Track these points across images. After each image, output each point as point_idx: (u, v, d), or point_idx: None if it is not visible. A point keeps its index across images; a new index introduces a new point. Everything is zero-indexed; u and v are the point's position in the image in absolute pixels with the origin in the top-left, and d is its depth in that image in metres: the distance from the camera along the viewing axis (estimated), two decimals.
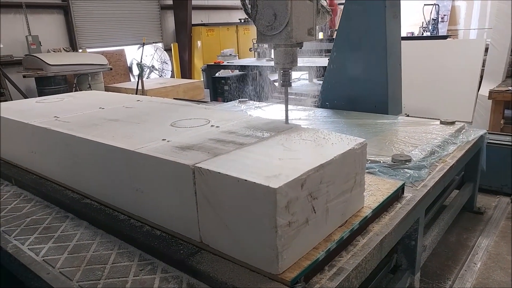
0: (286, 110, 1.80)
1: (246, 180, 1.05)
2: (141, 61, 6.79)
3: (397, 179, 1.75)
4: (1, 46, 6.22)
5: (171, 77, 10.95)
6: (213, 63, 7.01)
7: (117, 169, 1.49)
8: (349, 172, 1.31)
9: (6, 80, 5.92)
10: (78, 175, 1.72)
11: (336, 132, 1.48)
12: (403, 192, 1.63)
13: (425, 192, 1.63)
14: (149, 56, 10.57)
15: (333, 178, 1.22)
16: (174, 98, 6.12)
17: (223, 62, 6.92)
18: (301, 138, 1.42)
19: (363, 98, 3.14)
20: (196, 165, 1.18)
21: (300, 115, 3.11)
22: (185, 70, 11.44)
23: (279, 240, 1.03)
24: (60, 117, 2.03)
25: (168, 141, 1.47)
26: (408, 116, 3.23)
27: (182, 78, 10.82)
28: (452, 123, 2.46)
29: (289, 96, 1.88)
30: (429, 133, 2.36)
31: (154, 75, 10.76)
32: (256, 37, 1.68)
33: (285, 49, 1.64)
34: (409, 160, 1.91)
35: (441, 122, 2.48)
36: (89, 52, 8.56)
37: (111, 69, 7.66)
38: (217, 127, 1.65)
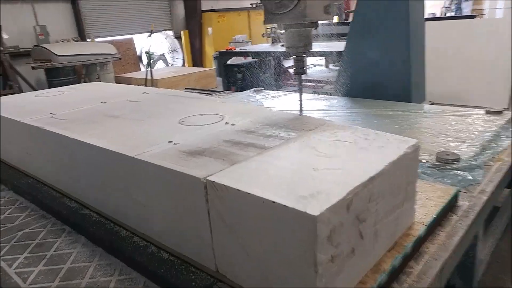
0: (301, 100, 1.53)
1: (274, 202, 0.79)
2: (149, 50, 6.52)
3: (447, 183, 1.48)
4: (7, 36, 6.03)
5: (182, 65, 10.70)
6: (225, 50, 6.71)
7: (115, 177, 1.25)
8: (401, 182, 1.04)
9: (14, 72, 5.75)
10: (75, 181, 1.50)
11: (378, 131, 1.21)
12: (457, 200, 1.35)
13: (484, 200, 1.35)
14: (159, 45, 10.32)
15: (383, 193, 0.96)
16: (185, 88, 5.88)
17: (235, 49, 6.62)
18: (337, 139, 1.16)
19: (383, 85, 2.87)
20: (208, 178, 0.93)
21: (314, 105, 2.85)
22: (197, 58, 11.16)
23: (320, 281, 0.78)
24: (57, 113, 1.80)
25: (175, 144, 1.22)
26: (432, 104, 2.94)
27: (193, 66, 10.56)
28: (499, 112, 2.16)
29: (304, 83, 1.63)
30: (473, 125, 2.07)
31: (164, 64, 10.52)
32: None
33: (298, 30, 1.36)
34: (458, 159, 1.63)
35: (487, 112, 2.17)
36: (97, 42, 8.34)
37: (120, 58, 7.44)
38: (233, 124, 1.40)
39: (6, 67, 5.65)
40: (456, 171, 1.57)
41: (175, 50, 10.59)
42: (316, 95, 3.29)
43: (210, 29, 11.18)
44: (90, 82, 6.92)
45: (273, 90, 3.70)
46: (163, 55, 10.25)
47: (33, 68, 6.41)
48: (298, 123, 1.34)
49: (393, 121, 2.29)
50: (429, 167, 1.63)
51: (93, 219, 1.37)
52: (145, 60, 10.19)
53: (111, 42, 8.58)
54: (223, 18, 11.45)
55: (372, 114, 2.49)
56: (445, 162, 1.62)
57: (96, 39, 8.63)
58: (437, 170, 1.59)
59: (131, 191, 1.20)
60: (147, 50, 5.87)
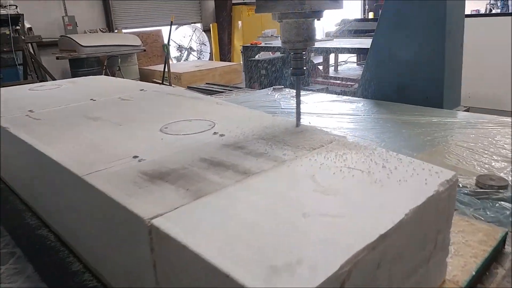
0: (298, 110, 1.23)
1: (228, 276, 0.52)
2: (168, 42, 6.33)
3: (490, 218, 1.17)
4: (29, 26, 6.02)
5: (209, 59, 10.52)
6: (249, 44, 6.43)
7: (68, 197, 1.02)
8: (428, 232, 0.75)
9: (33, 61, 5.72)
10: (36, 193, 1.28)
11: (403, 156, 0.91)
12: (504, 245, 1.04)
13: None
14: (187, 38, 10.18)
15: (401, 251, 0.67)
16: (206, 83, 5.69)
17: (260, 43, 6.34)
18: (345, 165, 0.87)
19: (412, 87, 2.55)
20: (153, 221, 0.67)
21: (332, 108, 2.55)
22: (225, 52, 10.95)
23: None
24: (36, 111, 1.59)
25: (140, 161, 0.97)
26: (468, 109, 2.58)
27: (221, 60, 10.35)
28: None
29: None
30: None
31: (192, 57, 10.37)
32: None
33: (296, 22, 1.08)
34: (505, 186, 1.31)
35: None
36: (124, 33, 8.26)
37: (144, 50, 7.31)
38: (222, 135, 1.14)
39: (26, 56, 5.63)
40: (503, 202, 1.25)
41: (203, 44, 10.42)
42: (340, 96, 2.98)
43: (239, 23, 10.93)
44: (112, 73, 6.84)
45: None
46: (191, 48, 10.10)
47: (57, 58, 6.37)
48: (301, 139, 1.06)
49: (425, 132, 1.97)
50: (466, 194, 1.31)
51: (47, 244, 1.14)
52: (173, 52, 10.10)
53: (139, 33, 8.49)
54: (253, 12, 11.16)
55: (401, 122, 2.17)
56: (489, 190, 1.30)
57: (124, 31, 8.55)
58: (478, 199, 1.28)
59: (82, 217, 0.96)
60: (165, 43, 5.67)
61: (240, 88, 4.86)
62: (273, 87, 3.38)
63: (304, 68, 1.15)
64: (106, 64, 6.59)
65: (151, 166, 0.92)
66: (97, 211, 0.87)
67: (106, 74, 6.63)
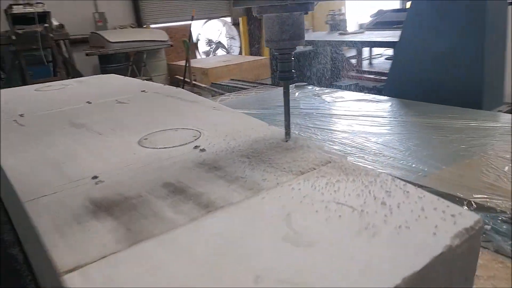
0: (287, 121, 1.03)
1: None
2: (189, 38, 6.22)
3: None
4: (57, 23, 6.09)
5: (239, 53, 10.38)
6: None
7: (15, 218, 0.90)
8: None
9: (64, 59, 5.79)
10: None
11: (413, 187, 0.71)
12: None
13: None
14: (217, 32, 10.07)
15: None
16: (230, 79, 5.53)
17: None
18: (334, 198, 0.69)
19: (446, 84, 2.28)
20: (66, 276, 0.52)
21: (356, 108, 2.32)
22: (254, 46, 10.77)
23: None
24: (26, 116, 1.50)
25: (97, 183, 0.83)
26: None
27: (251, 55, 10.18)
28: None
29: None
30: None
31: (222, 51, 10.27)
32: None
33: (278, 16, 0.89)
34: None
35: None
36: (152, 28, 8.26)
37: (171, 45, 7.25)
38: (202, 150, 0.98)
39: (55, 54, 5.70)
40: None
41: (232, 38, 10.28)
42: (367, 95, 2.76)
43: None
44: (138, 69, 6.83)
45: (320, 84, 3.19)
46: (220, 42, 9.99)
47: (86, 54, 6.44)
48: (290, 158, 0.88)
49: (459, 138, 1.72)
50: (505, 222, 1.09)
51: (11, 266, 1.03)
52: (202, 47, 10.04)
53: (167, 28, 8.46)
54: None
55: (431, 126, 1.93)
56: None
57: (152, 26, 8.55)
58: None
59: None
60: (184, 39, 5.57)
61: (265, 84, 4.68)
62: (295, 84, 3.18)
63: (293, 71, 0.96)
64: (132, 60, 6.60)
65: (104, 192, 0.78)
66: (35, 245, 0.73)
67: (132, 70, 6.63)
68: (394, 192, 0.69)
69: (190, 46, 6.02)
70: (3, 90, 2.07)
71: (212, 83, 5.34)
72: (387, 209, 0.64)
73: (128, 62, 6.75)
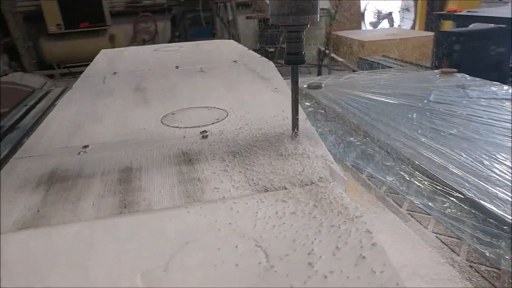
0: (295, 112, 0.82)
1: None
2: (337, 7, 5.70)
3: None
4: None
5: (411, 27, 9.37)
6: (445, 12, 5.16)
7: None
8: None
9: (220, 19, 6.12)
10: None
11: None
12: None
13: None
14: (391, 2, 9.24)
15: None
16: (382, 55, 5.01)
17: (460, 11, 5.08)
18: (258, 238, 0.52)
19: None
20: None
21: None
22: (432, 20, 9.52)
23: None
24: (119, 72, 1.63)
25: (80, 153, 0.82)
26: None
27: (425, 30, 9.07)
28: None
29: None
30: None
31: (389, 24, 9.43)
32: None
33: None
34: None
35: None
36: None
37: (331, 14, 6.96)
38: (205, 136, 0.87)
39: (214, 16, 6.09)
40: None
41: (406, 9, 9.29)
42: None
43: None
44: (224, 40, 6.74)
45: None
46: (390, 14, 9.16)
47: (247, 18, 6.71)
48: (273, 166, 0.71)
49: None
50: None
51: None
52: (369, 17, 9.39)
53: None
54: None
55: None
56: None
57: None
58: None
59: None
60: (327, 8, 5.13)
61: (421, 66, 4.07)
62: (441, 69, 2.68)
63: (304, 53, 0.75)
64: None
65: (74, 166, 0.76)
66: None
67: (284, 37, 6.62)
68: (349, 251, 0.48)
69: (335, 16, 5.56)
70: (128, 48, 2.30)
71: (360, 57, 4.95)
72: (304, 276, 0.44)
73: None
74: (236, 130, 0.90)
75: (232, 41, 2.49)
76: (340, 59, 4.38)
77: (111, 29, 6.74)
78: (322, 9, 6.80)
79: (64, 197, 0.64)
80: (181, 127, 0.94)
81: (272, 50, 6.76)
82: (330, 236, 0.51)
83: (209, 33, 6.39)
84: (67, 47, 6.11)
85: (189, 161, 0.75)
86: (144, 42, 7.00)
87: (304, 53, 0.77)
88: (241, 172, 0.69)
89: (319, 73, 4.92)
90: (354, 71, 3.17)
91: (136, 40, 7.06)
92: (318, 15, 0.75)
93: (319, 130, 1.67)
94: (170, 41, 6.44)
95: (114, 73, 1.62)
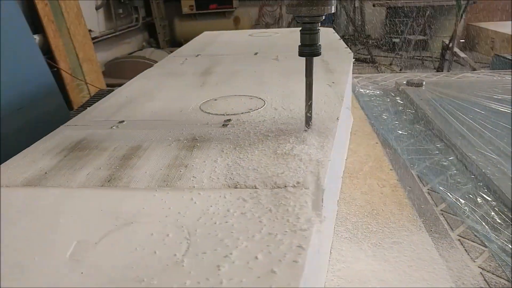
0: (308, 106, 0.78)
1: None
2: None
3: None
4: None
5: None
6: None
7: None
8: None
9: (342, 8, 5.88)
10: None
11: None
12: None
13: None
14: None
15: None
16: (495, 55, 4.26)
17: None
18: (190, 226, 0.53)
19: None
20: None
21: None
22: None
23: None
24: (202, 55, 1.73)
25: (116, 126, 0.91)
26: None
27: None
28: None
29: None
30: None
31: None
32: None
33: None
34: None
35: None
36: None
37: (474, 2, 6.14)
38: (225, 125, 0.89)
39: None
40: None
41: None
42: None
43: None
44: (429, 25, 6.16)
45: None
46: None
47: (373, 5, 6.35)
48: (260, 163, 0.69)
49: None
50: None
51: None
52: None
53: None
54: None
55: None
56: None
57: None
58: None
59: None
60: None
61: None
62: None
63: (319, 44, 0.74)
64: (422, 15, 5.96)
65: (99, 138, 0.86)
66: None
67: (423, 28, 6.03)
68: (264, 263, 0.46)
69: (464, 7, 4.76)
70: (225, 32, 2.40)
71: (495, 54, 4.31)
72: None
73: (420, 18, 6.22)
74: (260, 122, 0.90)
75: (330, 29, 2.40)
76: (462, 55, 3.86)
77: (237, 12, 7.08)
78: None
79: (71, 165, 0.73)
80: (211, 113, 0.98)
81: (397, 40, 6.31)
82: (258, 244, 0.49)
83: (330, 20, 6.24)
84: (195, 27, 6.62)
85: (192, 147, 0.78)
86: (267, 26, 7.19)
87: (319, 44, 0.76)
88: (228, 165, 0.70)
89: (439, 69, 4.43)
90: (474, 69, 2.79)
91: (259, 23, 7.29)
92: (334, 7, 0.71)
93: (399, 132, 1.54)
94: (289, 26, 6.48)
95: (197, 56, 1.72)
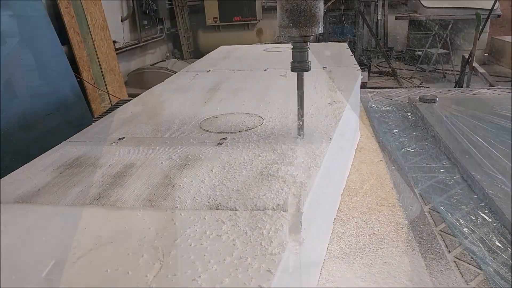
0: (300, 116, 0.85)
1: None
2: (492, 8, 4.65)
3: None
4: None
5: None
6: None
7: None
8: None
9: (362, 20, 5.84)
10: None
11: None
12: None
13: None
14: None
15: None
16: None
17: None
18: (161, 245, 0.54)
19: None
20: None
21: None
22: None
23: None
24: (214, 69, 1.76)
25: (112, 143, 0.95)
26: None
27: None
28: None
29: None
30: None
31: None
32: None
33: None
34: None
35: None
36: None
37: (499, 16, 6.00)
38: (220, 143, 0.91)
39: (356, 16, 5.82)
40: None
41: None
42: None
43: None
44: (450, 41, 6.04)
45: None
46: None
47: (396, 18, 6.29)
48: (245, 184, 0.70)
49: None
50: None
51: None
52: None
53: None
54: None
55: None
56: None
57: None
58: None
59: None
60: (478, 11, 4.22)
61: None
62: None
63: (308, 60, 0.82)
64: (435, 30, 5.87)
65: (97, 154, 0.89)
66: None
67: (445, 42, 5.90)
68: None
69: (485, 21, 4.64)
70: (241, 47, 2.44)
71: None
72: None
73: (435, 32, 6.12)
74: (254, 141, 0.91)
75: (344, 44, 2.40)
76: (481, 70, 3.76)
77: (260, 24, 7.15)
78: (487, 9, 5.93)
79: (65, 182, 0.76)
80: (209, 131, 1.00)
81: (419, 53, 6.21)
82: (228, 267, 0.50)
83: (351, 33, 6.22)
84: (218, 38, 6.73)
85: (183, 166, 0.80)
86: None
87: (309, 61, 0.83)
88: (214, 185, 0.71)
89: (458, 85, 4.34)
90: (491, 85, 2.73)
91: (281, 35, 7.32)
92: (321, 28, 0.76)
93: (407, 149, 1.53)
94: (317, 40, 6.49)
95: (208, 71, 1.76)
